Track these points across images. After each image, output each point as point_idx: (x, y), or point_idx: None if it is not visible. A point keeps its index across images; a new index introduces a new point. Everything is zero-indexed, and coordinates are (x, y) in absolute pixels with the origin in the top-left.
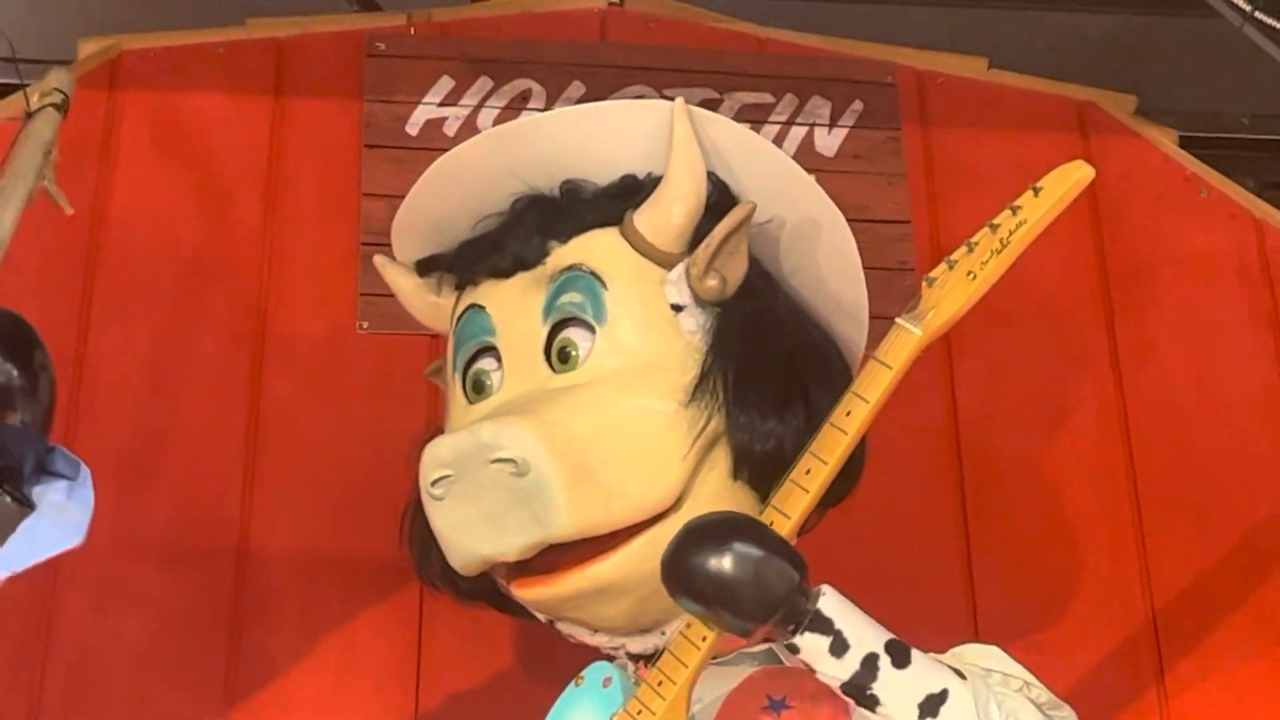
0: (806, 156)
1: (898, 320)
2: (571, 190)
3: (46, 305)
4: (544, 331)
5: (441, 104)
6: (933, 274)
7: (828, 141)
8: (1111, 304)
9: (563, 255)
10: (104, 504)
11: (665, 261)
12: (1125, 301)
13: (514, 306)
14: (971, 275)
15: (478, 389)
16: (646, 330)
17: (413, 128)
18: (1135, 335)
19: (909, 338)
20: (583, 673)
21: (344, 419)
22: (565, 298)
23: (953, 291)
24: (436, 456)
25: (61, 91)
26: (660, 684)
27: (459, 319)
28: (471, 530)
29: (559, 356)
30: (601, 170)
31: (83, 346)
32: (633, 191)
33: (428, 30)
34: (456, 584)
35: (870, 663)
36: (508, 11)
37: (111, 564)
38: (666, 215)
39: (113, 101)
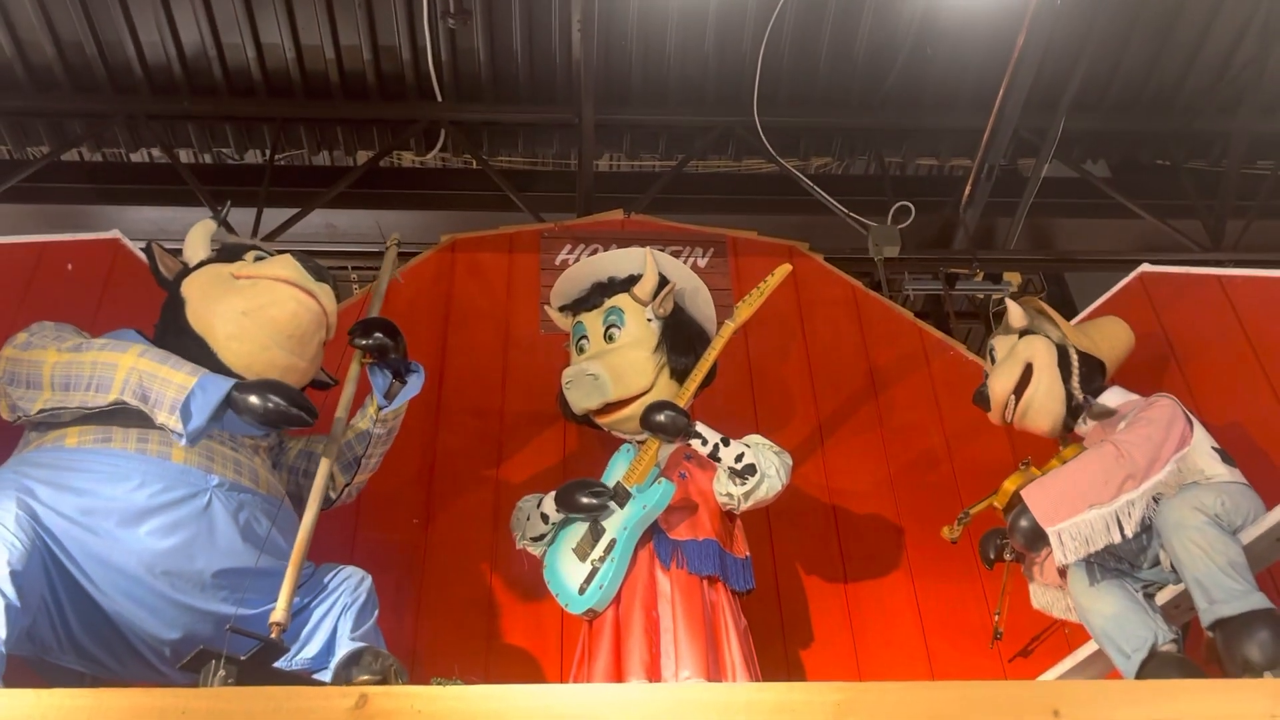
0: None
1: (727, 322)
2: (612, 279)
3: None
4: (603, 329)
5: (567, 254)
6: (737, 304)
7: (699, 262)
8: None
9: (610, 302)
10: None
11: (643, 303)
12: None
13: (593, 320)
14: (745, 303)
15: (580, 350)
16: (638, 328)
17: (557, 262)
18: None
19: (729, 327)
20: (620, 449)
21: None
22: (611, 316)
23: (742, 314)
24: (568, 372)
25: (397, 240)
26: (643, 451)
27: (575, 325)
28: (580, 397)
29: (607, 338)
30: (622, 269)
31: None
32: (634, 279)
33: (560, 229)
34: (576, 419)
35: (714, 445)
36: (584, 222)
37: None
38: (644, 289)
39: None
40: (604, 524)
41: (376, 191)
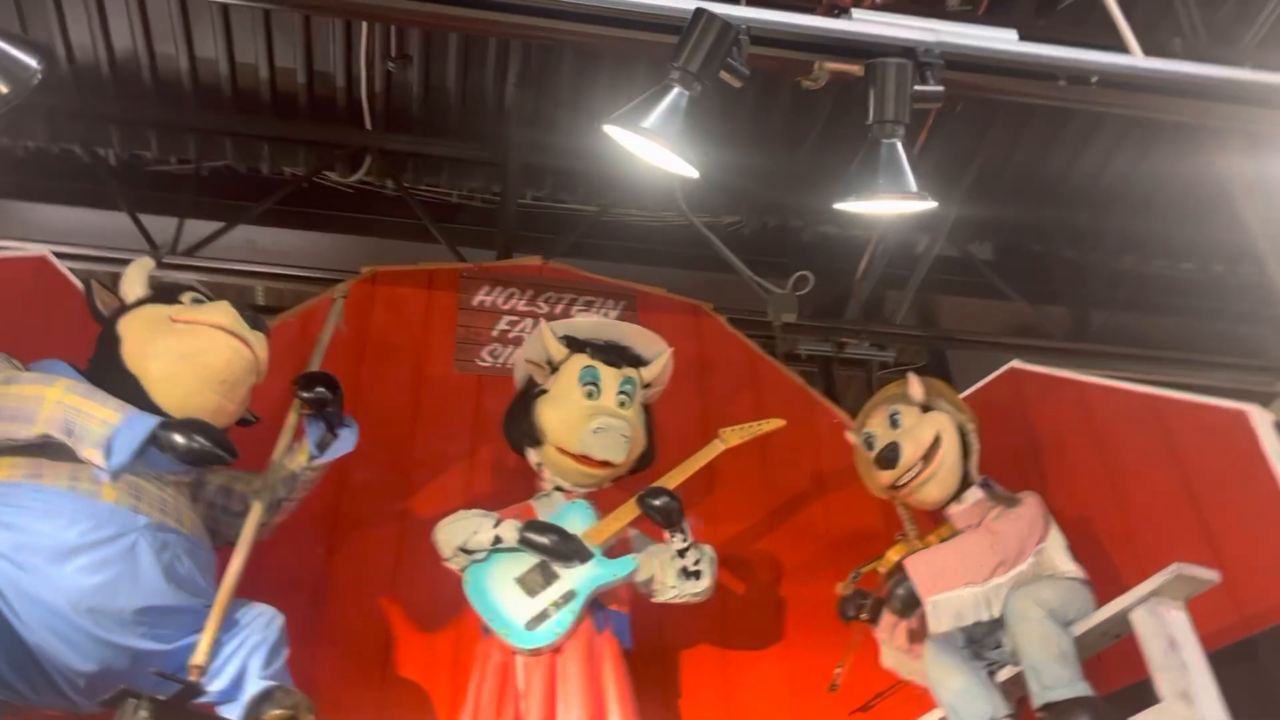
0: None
1: (716, 441)
2: (630, 349)
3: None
4: (616, 391)
5: (485, 295)
6: (725, 431)
7: (610, 314)
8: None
9: (625, 371)
10: None
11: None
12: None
13: (610, 377)
14: (736, 432)
15: (589, 395)
16: (638, 407)
17: (474, 303)
18: None
19: (718, 447)
20: (570, 502)
21: None
22: (627, 385)
23: (731, 439)
24: (604, 420)
25: (344, 293)
26: (614, 519)
27: (584, 367)
28: (606, 445)
29: (619, 403)
30: (640, 347)
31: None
32: (644, 361)
33: (480, 269)
34: (516, 445)
35: (690, 544)
36: (503, 264)
37: None
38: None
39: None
40: (558, 570)
41: (298, 210)
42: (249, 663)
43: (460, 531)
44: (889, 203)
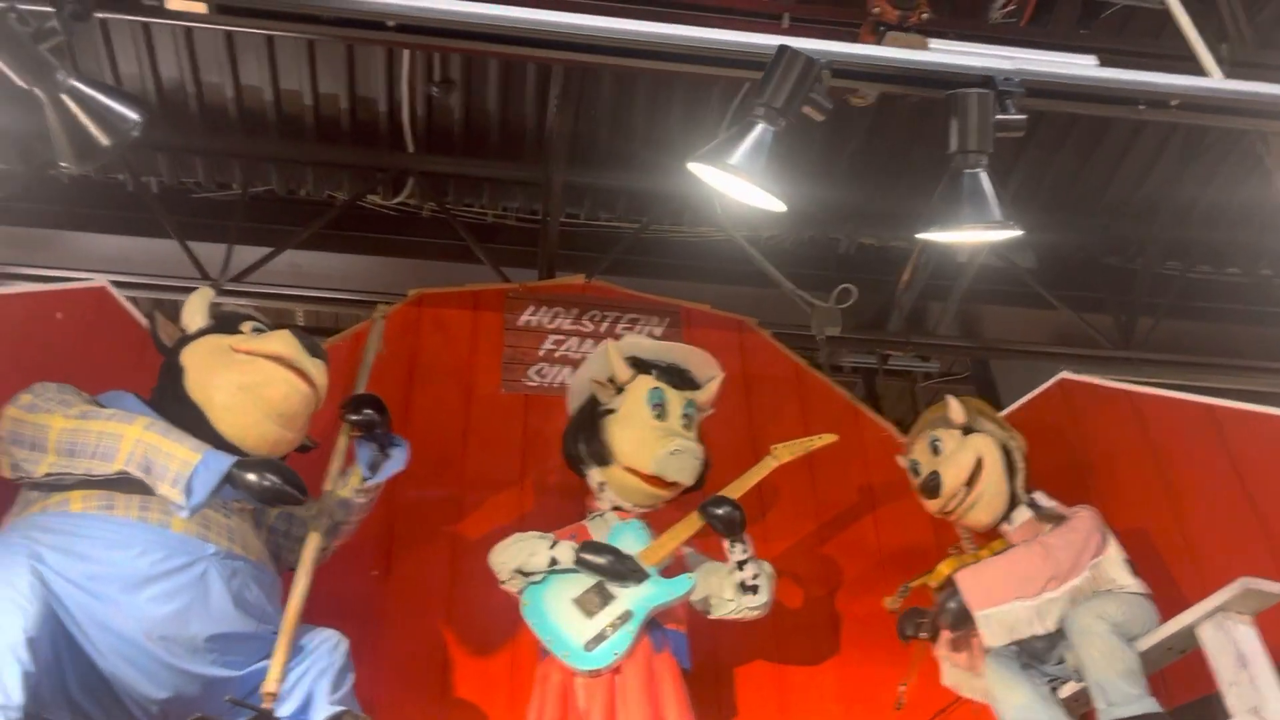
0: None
1: (769, 458)
2: (689, 372)
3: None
4: (680, 412)
5: (530, 315)
6: (777, 447)
7: (655, 331)
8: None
9: (687, 395)
10: None
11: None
12: None
13: (675, 399)
14: (788, 448)
15: (659, 416)
16: (697, 424)
17: (520, 323)
18: None
19: (770, 464)
20: (622, 523)
21: None
22: (690, 409)
23: (783, 455)
24: (681, 442)
25: (384, 314)
26: (670, 537)
27: (652, 388)
28: (681, 467)
29: (684, 424)
30: (695, 368)
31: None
32: (701, 383)
33: (524, 289)
34: (575, 467)
35: (749, 555)
36: (547, 284)
37: None
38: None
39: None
40: (613, 590)
41: (342, 234)
42: (316, 687)
43: (517, 554)
44: (974, 232)
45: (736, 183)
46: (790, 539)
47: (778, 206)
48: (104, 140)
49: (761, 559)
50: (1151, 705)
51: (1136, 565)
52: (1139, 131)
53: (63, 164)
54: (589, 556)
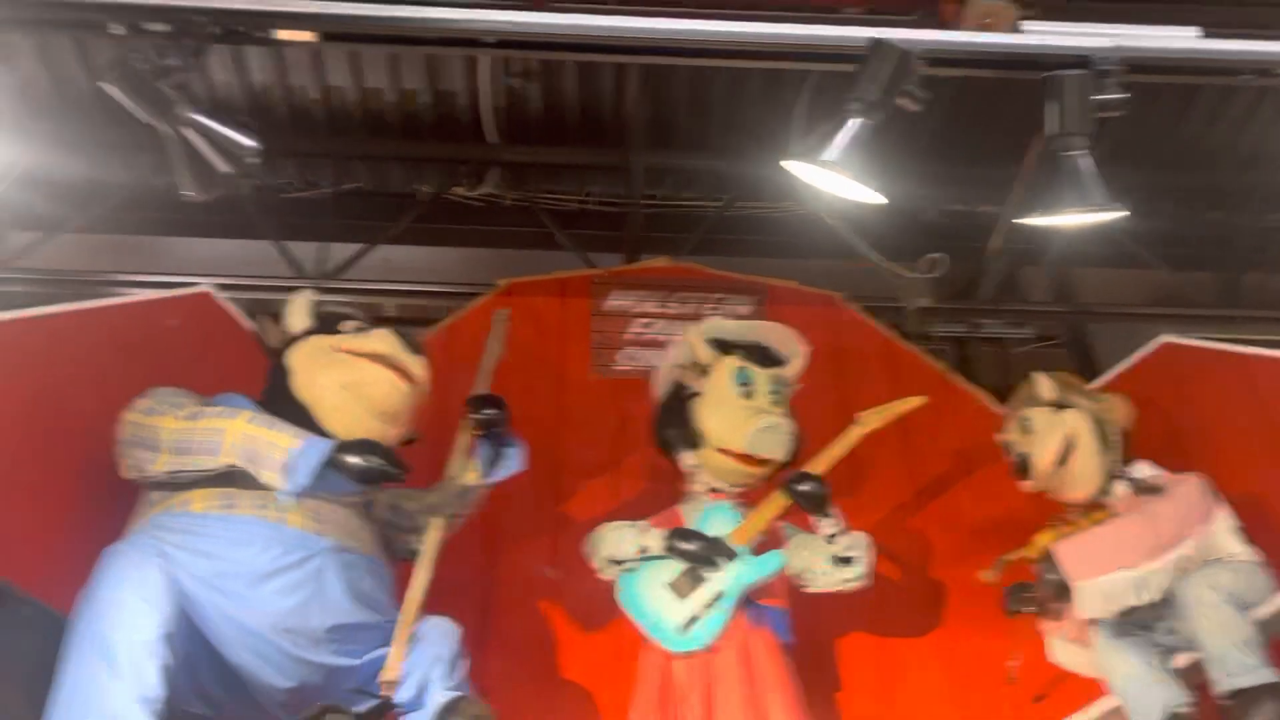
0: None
1: (854, 425)
2: (772, 349)
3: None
4: (768, 389)
5: (616, 300)
6: (863, 414)
7: (741, 311)
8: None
9: (773, 371)
10: None
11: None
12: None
13: (762, 378)
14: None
15: (747, 395)
16: (787, 399)
17: (607, 307)
18: None
19: (857, 431)
20: (711, 505)
21: None
22: (778, 387)
23: (871, 421)
24: (770, 419)
25: (507, 316)
26: (757, 514)
27: (737, 368)
28: (776, 444)
29: (772, 401)
30: (778, 346)
31: None
32: (787, 361)
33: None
34: (666, 449)
35: (841, 527)
36: (633, 268)
37: None
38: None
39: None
40: (704, 573)
41: (428, 227)
42: (431, 674)
43: (609, 543)
44: (1075, 216)
45: (834, 178)
46: (884, 510)
47: (877, 200)
48: (224, 168)
49: (856, 530)
50: (1271, 675)
51: (1249, 534)
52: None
53: (186, 192)
54: (677, 543)
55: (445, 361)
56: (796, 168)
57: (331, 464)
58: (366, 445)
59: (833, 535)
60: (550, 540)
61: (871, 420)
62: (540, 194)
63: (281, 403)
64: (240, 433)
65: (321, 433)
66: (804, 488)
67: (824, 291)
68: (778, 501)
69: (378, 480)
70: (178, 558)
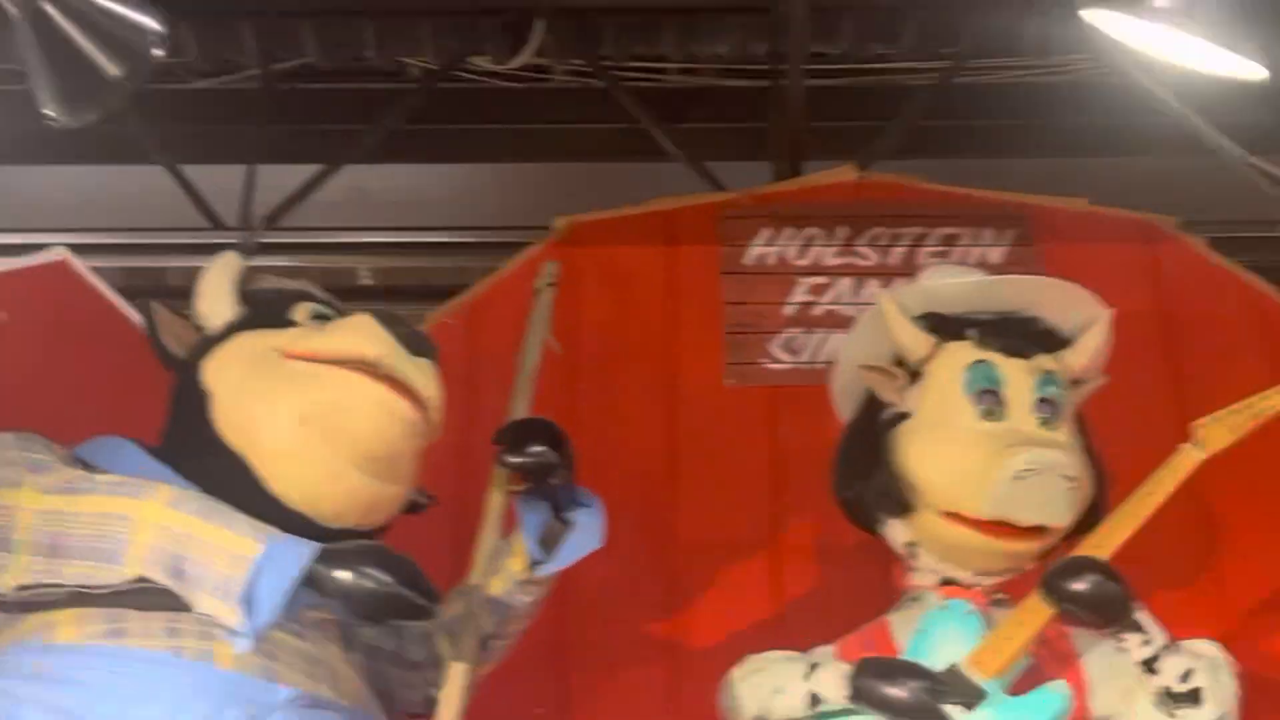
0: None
1: (1188, 445)
2: (1040, 321)
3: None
4: (1032, 398)
5: (765, 245)
6: (1200, 425)
7: (990, 255)
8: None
9: (1039, 361)
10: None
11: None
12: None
13: (1018, 376)
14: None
15: (989, 414)
16: (1070, 412)
17: (749, 260)
18: None
19: (1193, 455)
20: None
21: None
22: (1050, 388)
23: (1217, 437)
24: (1033, 456)
25: (554, 276)
26: (1014, 627)
27: (971, 363)
28: (1042, 501)
29: (1041, 419)
30: (1053, 309)
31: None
32: (1063, 341)
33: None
34: (858, 518)
35: (1159, 649)
36: (791, 188)
37: None
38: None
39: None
40: None
41: (429, 128)
42: None
43: (758, 689)
44: None
45: (1184, 41)
46: (1256, 588)
47: (1257, 73)
48: (115, 71)
49: (1194, 640)
50: None
51: None
52: None
53: (48, 113)
54: (873, 687)
55: (467, 361)
56: (1103, 19)
57: (313, 583)
58: (369, 554)
59: (1150, 660)
60: (664, 671)
61: (1214, 436)
62: (622, 63)
63: (195, 450)
64: (157, 525)
65: (266, 499)
66: (1076, 588)
67: (1136, 215)
68: (1038, 609)
69: (389, 615)
70: None
